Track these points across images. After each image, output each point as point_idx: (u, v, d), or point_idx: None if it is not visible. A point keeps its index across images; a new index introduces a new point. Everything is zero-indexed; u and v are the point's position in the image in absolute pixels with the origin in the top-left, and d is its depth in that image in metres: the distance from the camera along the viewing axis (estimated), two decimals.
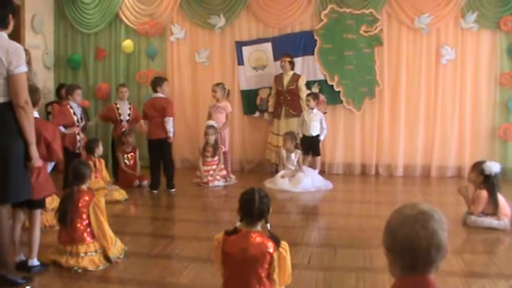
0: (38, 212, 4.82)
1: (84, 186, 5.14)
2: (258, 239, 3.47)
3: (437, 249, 2.11)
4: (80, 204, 4.97)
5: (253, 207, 3.48)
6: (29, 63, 4.70)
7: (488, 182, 6.47)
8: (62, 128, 7.81)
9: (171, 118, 8.57)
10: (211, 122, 9.34)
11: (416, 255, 2.11)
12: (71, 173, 5.14)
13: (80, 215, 4.95)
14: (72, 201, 4.95)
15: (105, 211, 5.14)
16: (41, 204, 4.84)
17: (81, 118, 8.10)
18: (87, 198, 5.03)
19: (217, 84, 9.61)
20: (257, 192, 3.53)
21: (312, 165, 9.51)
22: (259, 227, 3.55)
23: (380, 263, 5.08)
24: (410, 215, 2.15)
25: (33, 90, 4.67)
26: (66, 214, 4.91)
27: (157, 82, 8.74)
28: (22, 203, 4.59)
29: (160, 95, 8.66)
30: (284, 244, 3.53)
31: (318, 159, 9.65)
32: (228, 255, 3.50)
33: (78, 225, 4.94)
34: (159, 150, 8.57)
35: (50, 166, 5.03)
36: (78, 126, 7.99)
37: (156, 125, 8.54)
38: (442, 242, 2.12)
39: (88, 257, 4.90)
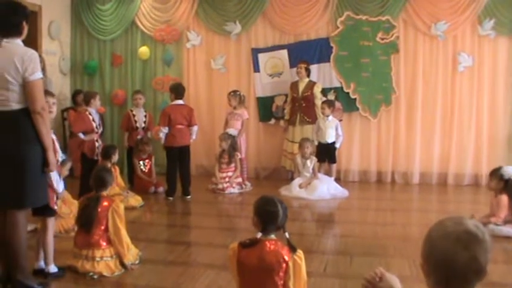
0: (47, 220, 4.81)
1: (105, 193, 5.17)
2: (273, 247, 3.46)
3: (475, 273, 2.00)
4: (99, 209, 4.99)
5: (277, 219, 3.47)
6: (43, 70, 4.72)
7: (508, 187, 6.44)
8: (81, 135, 7.85)
9: (197, 126, 8.74)
10: (230, 131, 9.35)
11: (452, 275, 2.01)
12: (94, 179, 5.17)
13: (99, 220, 4.98)
14: (97, 207, 4.98)
15: (124, 217, 5.16)
16: (48, 211, 4.75)
17: (99, 124, 8.13)
18: (106, 203, 5.05)
19: (230, 93, 9.61)
20: (279, 203, 3.52)
21: (328, 173, 9.47)
22: (273, 235, 3.53)
23: (396, 271, 5.01)
24: (453, 231, 2.02)
25: None
26: (91, 220, 4.94)
27: (181, 89, 8.79)
28: (35, 210, 4.59)
29: (182, 102, 8.70)
30: (299, 252, 3.51)
31: (334, 166, 9.61)
32: (244, 264, 3.48)
33: (96, 230, 4.96)
34: (180, 157, 8.60)
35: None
36: (97, 132, 8.01)
37: (180, 132, 8.56)
38: (482, 266, 1.99)
39: (104, 261, 4.91)
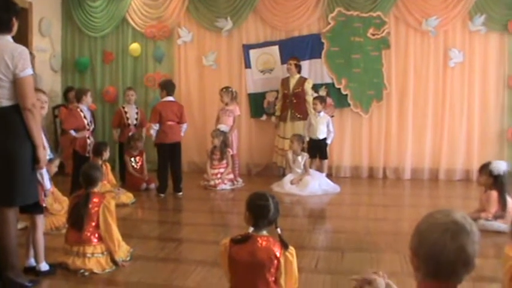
0: (36, 217, 4.76)
1: (95, 189, 5.16)
2: (265, 244, 3.46)
3: (464, 264, 2.03)
4: (90, 206, 4.98)
5: (268, 214, 3.47)
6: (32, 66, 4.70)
7: (497, 182, 6.46)
8: (72, 132, 7.84)
9: (186, 124, 8.85)
10: (221, 127, 9.35)
11: (441, 265, 2.03)
12: (82, 176, 5.15)
13: (90, 217, 4.96)
14: (87, 205, 4.96)
15: (115, 214, 5.15)
16: (36, 209, 4.70)
17: (90, 121, 8.11)
18: (97, 200, 5.04)
19: (223, 89, 9.62)
20: (270, 197, 3.52)
21: (319, 169, 9.49)
22: (265, 231, 3.54)
23: (387, 267, 5.06)
24: (442, 223, 2.05)
25: None
26: (81, 218, 4.92)
27: (171, 86, 8.80)
28: (23, 208, 4.57)
29: (173, 98, 8.71)
30: (291, 249, 3.51)
31: (325, 162, 9.62)
32: (235, 260, 3.48)
33: (87, 226, 4.95)
34: (171, 154, 8.59)
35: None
36: (88, 129, 8.00)
37: (171, 129, 8.57)
38: (470, 257, 2.02)
39: (95, 258, 4.90)
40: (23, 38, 8.93)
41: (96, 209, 5.00)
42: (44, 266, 4.78)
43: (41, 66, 10.28)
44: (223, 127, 9.35)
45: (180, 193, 8.61)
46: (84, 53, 11.27)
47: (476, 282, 4.67)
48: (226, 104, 9.52)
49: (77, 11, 11.09)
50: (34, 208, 4.63)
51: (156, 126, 8.51)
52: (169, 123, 8.54)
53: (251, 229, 3.50)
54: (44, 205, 5.01)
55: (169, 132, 8.55)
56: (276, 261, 3.44)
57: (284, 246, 3.48)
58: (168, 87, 8.72)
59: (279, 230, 3.52)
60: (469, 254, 2.02)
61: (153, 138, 8.65)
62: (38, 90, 4.87)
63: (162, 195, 8.53)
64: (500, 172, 6.47)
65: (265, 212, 3.47)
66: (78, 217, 4.94)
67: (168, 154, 8.58)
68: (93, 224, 4.98)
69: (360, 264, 5.25)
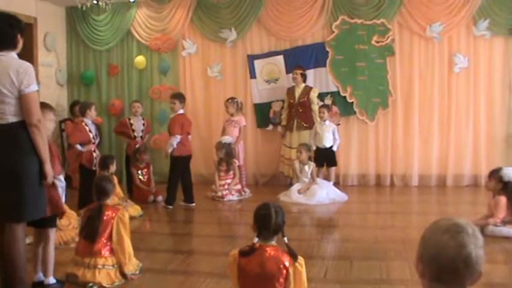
0: (49, 231, 4.80)
1: (107, 201, 5.17)
2: (273, 253, 3.46)
3: (465, 263, 1.99)
4: (104, 218, 4.99)
5: (270, 222, 3.46)
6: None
7: (507, 188, 6.43)
8: (78, 146, 7.86)
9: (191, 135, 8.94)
10: (224, 139, 9.33)
11: (442, 264, 2.02)
12: (95, 189, 5.17)
13: (103, 229, 4.98)
14: (100, 217, 4.97)
15: (129, 227, 5.17)
16: (49, 222, 4.75)
17: (96, 135, 8.13)
18: (110, 213, 5.05)
19: (228, 100, 9.61)
20: (272, 206, 3.52)
21: (327, 178, 9.48)
22: (274, 242, 3.53)
23: (396, 275, 5.05)
24: (443, 226, 2.07)
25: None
26: (95, 230, 4.93)
27: (184, 99, 8.85)
28: (35, 222, 4.58)
29: (183, 111, 8.76)
30: (300, 259, 3.51)
31: (333, 170, 9.62)
32: (245, 271, 3.48)
33: (100, 239, 4.96)
34: (185, 166, 8.65)
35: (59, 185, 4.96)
36: (93, 143, 8.01)
37: (187, 141, 8.66)
38: (472, 258, 2.00)
39: (105, 270, 4.89)
40: (28, 53, 8.97)
41: (110, 221, 5.01)
42: (51, 280, 4.78)
43: (46, 80, 10.33)
44: (225, 138, 9.32)
45: (193, 204, 8.64)
46: (90, 66, 11.30)
47: None
48: (232, 115, 9.52)
49: (81, 24, 11.13)
50: (49, 222, 4.68)
51: (179, 137, 8.47)
52: (185, 135, 8.59)
53: (255, 239, 3.50)
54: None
55: (186, 144, 8.62)
56: (284, 271, 3.43)
57: (293, 255, 3.48)
58: (181, 99, 8.74)
59: (285, 239, 3.52)
60: (469, 254, 2.00)
61: (169, 150, 8.55)
62: (46, 106, 4.88)
63: (171, 206, 8.52)
64: (511, 178, 6.44)
65: (267, 221, 3.47)
66: (92, 229, 4.95)
67: (183, 166, 8.62)
68: (106, 236, 4.99)
69: (369, 273, 5.23)
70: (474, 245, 2.02)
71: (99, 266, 4.88)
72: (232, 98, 9.65)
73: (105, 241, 4.98)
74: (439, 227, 2.09)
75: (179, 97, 8.76)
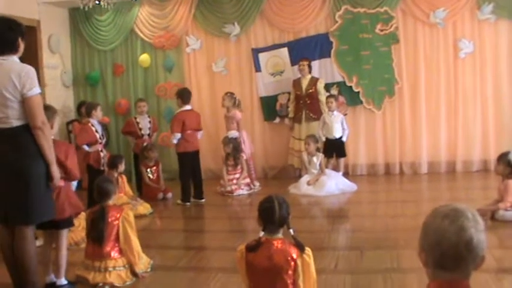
0: (63, 232, 4.83)
1: (110, 202, 5.17)
2: (281, 246, 3.45)
3: (467, 247, 1.99)
4: (109, 220, 5.00)
5: (274, 215, 3.45)
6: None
7: None
8: (85, 147, 7.87)
9: (202, 130, 8.99)
10: (230, 134, 9.36)
11: (444, 251, 2.01)
12: (96, 190, 5.17)
13: (109, 231, 4.98)
14: (104, 219, 4.97)
15: (134, 225, 5.17)
16: (66, 224, 4.83)
17: (102, 135, 8.14)
18: (115, 213, 5.06)
19: (227, 93, 9.57)
20: (275, 199, 3.51)
21: (335, 168, 9.46)
22: (280, 234, 3.52)
23: (407, 263, 5.04)
24: (442, 212, 2.07)
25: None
26: (102, 233, 4.93)
27: (188, 94, 8.83)
28: (47, 224, 4.60)
29: (190, 107, 8.77)
30: (308, 250, 3.49)
31: (342, 161, 9.60)
32: (253, 265, 3.48)
33: (108, 241, 4.96)
34: (193, 162, 8.65)
35: (73, 185, 5.05)
36: (100, 143, 8.02)
37: (192, 137, 8.63)
38: (474, 241, 1.99)
39: (116, 271, 4.91)
40: (33, 56, 9.01)
41: (116, 222, 5.02)
42: (63, 281, 4.81)
43: (52, 82, 10.35)
44: (231, 133, 9.34)
45: (203, 200, 8.65)
46: (95, 66, 11.30)
47: (499, 273, 4.64)
48: (228, 109, 9.48)
49: (84, 25, 11.13)
50: (66, 222, 4.79)
51: (178, 135, 8.50)
52: (190, 131, 8.57)
53: (261, 233, 3.49)
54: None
55: (191, 140, 8.60)
56: (293, 263, 3.43)
57: (299, 247, 3.47)
58: (185, 95, 8.74)
59: (291, 231, 3.51)
60: (471, 237, 2.00)
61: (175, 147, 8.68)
62: (51, 109, 4.89)
63: (188, 204, 8.51)
64: None
65: (270, 214, 3.46)
66: (98, 232, 4.96)
67: (192, 162, 8.62)
68: (113, 237, 5.00)
69: (380, 262, 5.22)
70: (475, 229, 2.01)
71: (110, 269, 4.90)
72: (231, 93, 9.62)
73: (113, 243, 4.99)
74: (438, 213, 2.09)
75: (181, 94, 8.79)
